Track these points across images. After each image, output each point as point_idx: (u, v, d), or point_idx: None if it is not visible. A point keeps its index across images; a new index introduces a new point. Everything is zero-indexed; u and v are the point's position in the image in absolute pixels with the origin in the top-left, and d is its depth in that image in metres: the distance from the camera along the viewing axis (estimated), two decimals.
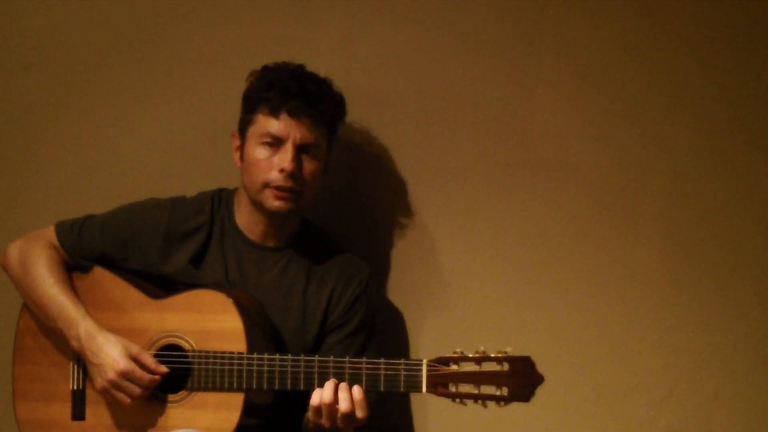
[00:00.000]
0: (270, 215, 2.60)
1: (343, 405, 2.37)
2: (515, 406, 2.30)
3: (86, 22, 2.99)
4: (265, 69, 2.62)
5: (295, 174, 2.54)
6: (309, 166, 2.57)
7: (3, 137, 3.06)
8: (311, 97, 2.55)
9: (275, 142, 2.55)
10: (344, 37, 2.85)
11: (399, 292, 2.83)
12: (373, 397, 2.43)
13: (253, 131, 2.58)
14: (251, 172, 2.57)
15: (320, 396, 2.38)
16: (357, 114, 2.81)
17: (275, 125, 2.55)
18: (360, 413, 2.38)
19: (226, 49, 2.89)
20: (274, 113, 2.55)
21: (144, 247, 2.64)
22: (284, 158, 2.53)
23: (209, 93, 2.88)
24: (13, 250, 2.67)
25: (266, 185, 2.55)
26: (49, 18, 3.01)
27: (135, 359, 2.50)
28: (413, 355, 2.81)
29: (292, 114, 2.54)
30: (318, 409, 2.39)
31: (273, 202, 2.56)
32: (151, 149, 2.98)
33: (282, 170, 2.53)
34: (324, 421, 2.40)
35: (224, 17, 2.92)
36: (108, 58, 2.98)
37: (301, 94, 2.54)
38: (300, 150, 2.55)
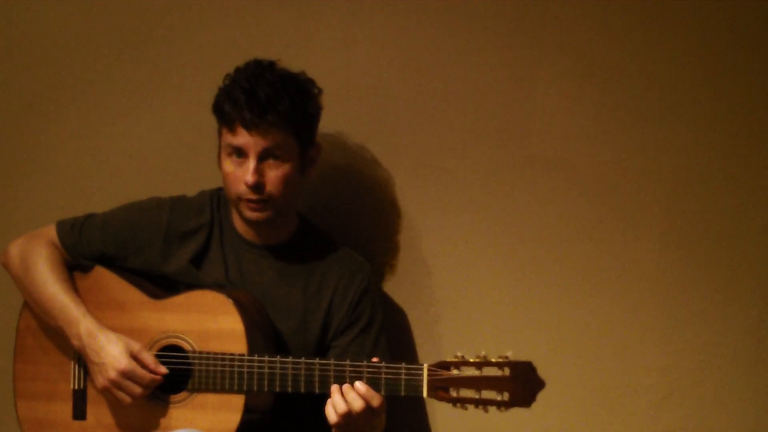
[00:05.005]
0: (252, 223, 2.60)
1: (356, 404, 2.36)
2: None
3: (86, 22, 2.99)
4: (227, 77, 2.59)
5: (259, 185, 2.51)
6: (277, 171, 2.52)
7: (3, 137, 3.06)
8: (263, 106, 2.49)
9: (240, 154, 2.52)
10: (344, 37, 2.84)
11: (399, 294, 2.82)
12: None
13: (222, 142, 2.57)
14: (226, 184, 2.57)
15: (334, 409, 2.37)
16: (357, 114, 2.81)
17: (234, 139, 2.52)
18: (375, 402, 2.37)
19: (226, 48, 2.88)
20: (230, 128, 2.52)
21: (144, 247, 2.64)
22: (246, 171, 2.51)
23: (209, 93, 2.83)
24: (14, 249, 2.67)
25: (239, 198, 2.54)
26: (49, 18, 3.00)
27: (136, 358, 2.50)
28: (413, 357, 2.81)
29: (246, 126, 2.50)
30: (339, 424, 2.38)
31: (249, 214, 2.55)
32: (151, 149, 2.98)
33: (246, 184, 2.51)
34: (352, 429, 2.39)
35: (224, 17, 2.91)
36: (107, 58, 2.98)
37: (252, 105, 2.49)
38: (263, 158, 2.51)
